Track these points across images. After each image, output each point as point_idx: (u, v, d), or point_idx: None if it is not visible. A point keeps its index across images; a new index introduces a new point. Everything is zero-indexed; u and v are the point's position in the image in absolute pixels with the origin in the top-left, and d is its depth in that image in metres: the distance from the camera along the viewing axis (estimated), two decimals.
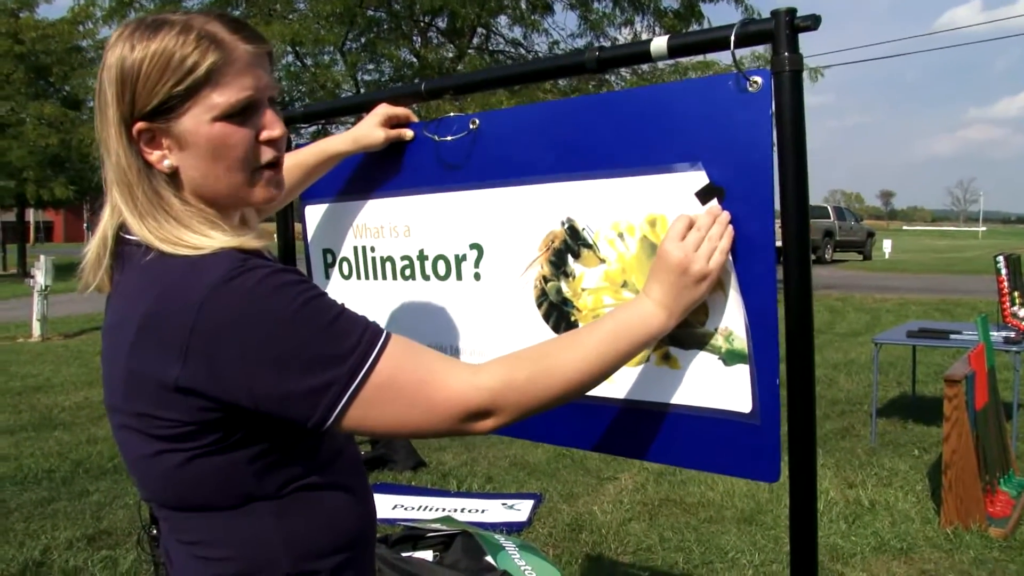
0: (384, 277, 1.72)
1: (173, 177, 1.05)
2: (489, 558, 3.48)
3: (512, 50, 15.89)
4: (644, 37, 14.91)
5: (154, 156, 1.03)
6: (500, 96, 10.76)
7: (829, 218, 27.54)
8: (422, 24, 14.21)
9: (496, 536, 3.68)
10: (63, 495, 4.68)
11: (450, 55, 14.32)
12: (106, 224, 1.06)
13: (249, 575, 1.05)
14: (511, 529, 4.06)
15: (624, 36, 14.95)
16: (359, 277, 1.77)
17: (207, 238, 1.00)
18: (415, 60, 13.99)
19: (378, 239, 1.70)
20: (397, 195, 1.64)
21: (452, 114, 1.51)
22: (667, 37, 1.17)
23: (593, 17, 14.53)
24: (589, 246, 1.38)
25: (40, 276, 11.19)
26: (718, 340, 1.25)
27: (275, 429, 1.01)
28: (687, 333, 1.28)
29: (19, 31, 22.63)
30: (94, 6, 16.54)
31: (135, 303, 1.00)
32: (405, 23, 14.02)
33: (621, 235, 1.33)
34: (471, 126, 1.50)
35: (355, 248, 1.76)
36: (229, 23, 1.05)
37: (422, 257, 1.63)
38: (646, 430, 1.37)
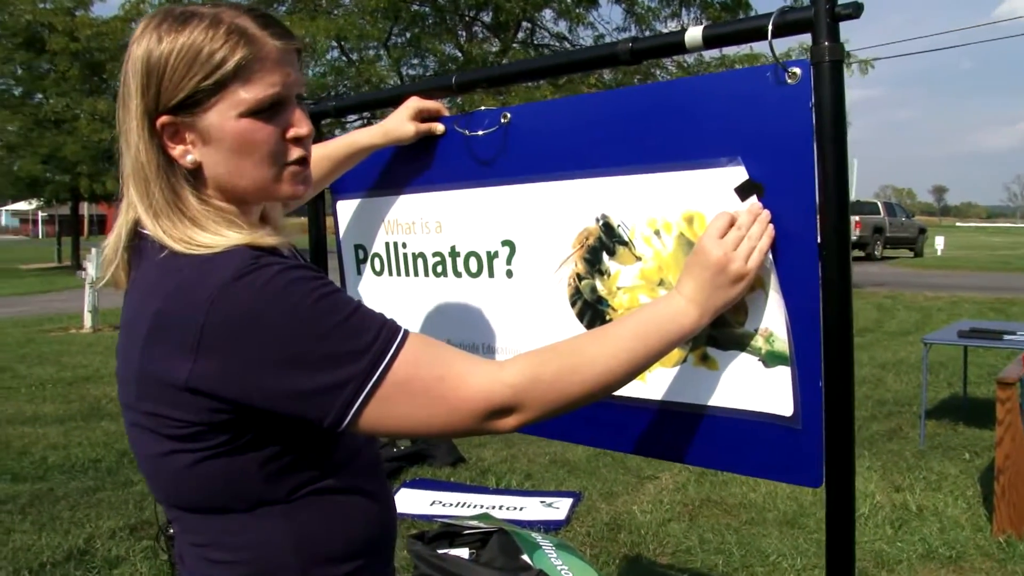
0: (416, 274, 1.69)
1: (194, 173, 1.03)
2: (525, 557, 3.45)
3: (557, 44, 15.83)
4: None
5: (177, 151, 1.01)
6: (544, 90, 10.71)
7: (879, 214, 27.02)
8: (467, 19, 14.21)
9: (533, 534, 3.65)
10: (108, 484, 4.77)
11: (495, 49, 14.30)
12: (122, 220, 1.04)
13: None
14: (549, 527, 4.03)
15: (670, 30, 14.80)
16: (391, 274, 1.75)
17: (220, 237, 0.98)
18: (459, 55, 13.99)
19: (410, 235, 1.68)
20: (428, 190, 1.62)
21: (483, 108, 1.47)
22: (703, 27, 1.13)
23: (639, 11, 14.40)
24: (625, 243, 1.34)
25: (92, 268, 11.41)
26: (758, 341, 1.20)
27: (287, 431, 0.99)
28: (726, 333, 1.23)
29: (75, 29, 23.12)
30: (145, 3, 16.82)
31: (148, 300, 0.98)
32: (450, 18, 14.03)
33: (657, 232, 1.29)
34: (502, 120, 1.47)
35: (387, 244, 1.73)
36: (259, 18, 1.02)
37: (454, 254, 1.61)
38: (683, 432, 1.32)
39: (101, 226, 60.08)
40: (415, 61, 14.88)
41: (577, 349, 1.05)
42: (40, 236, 58.55)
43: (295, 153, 1.06)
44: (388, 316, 1.00)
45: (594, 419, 1.38)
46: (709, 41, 1.13)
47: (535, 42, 15.81)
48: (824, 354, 1.12)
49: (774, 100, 1.12)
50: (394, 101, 1.60)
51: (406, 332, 0.98)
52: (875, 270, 21.90)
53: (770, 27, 1.07)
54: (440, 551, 3.61)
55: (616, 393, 1.31)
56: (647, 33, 14.86)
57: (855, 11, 1.02)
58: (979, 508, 4.19)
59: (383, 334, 0.96)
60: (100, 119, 22.57)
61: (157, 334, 0.96)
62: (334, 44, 12.77)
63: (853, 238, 19.91)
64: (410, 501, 4.55)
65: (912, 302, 13.93)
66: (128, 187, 1.03)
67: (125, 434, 3.93)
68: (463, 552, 3.60)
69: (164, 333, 0.95)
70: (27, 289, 18.97)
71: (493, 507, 4.40)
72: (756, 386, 1.22)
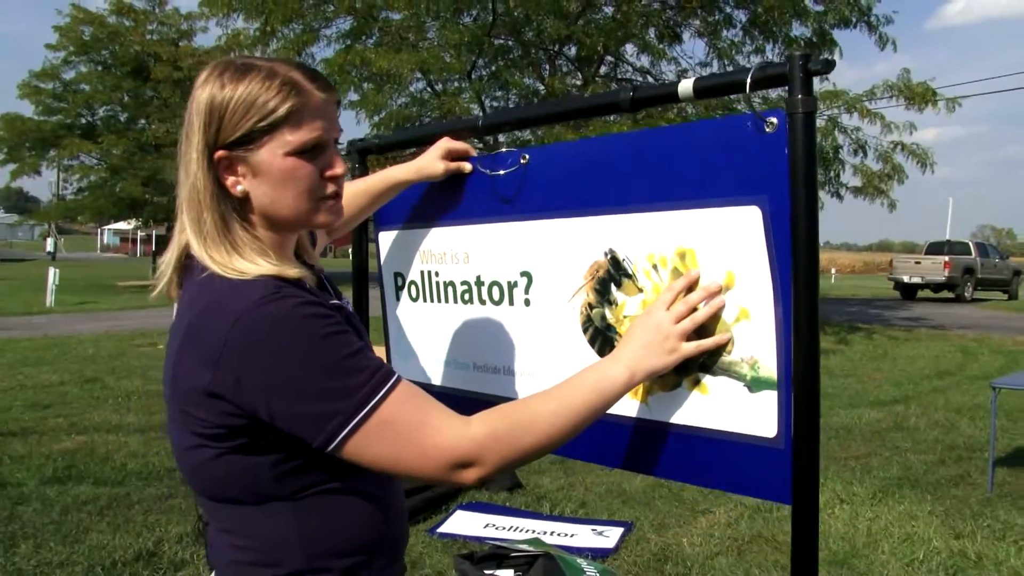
0: (447, 300, 1.82)
1: (242, 202, 1.18)
2: None
3: (639, 78, 15.92)
4: None
5: (229, 181, 1.17)
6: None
7: (970, 255, 26.16)
8: (551, 52, 14.44)
9: (579, 560, 3.72)
10: (180, 493, 5.00)
11: (578, 83, 14.47)
12: (175, 243, 1.21)
13: (266, 565, 1.16)
14: (597, 555, 4.08)
15: (753, 64, 14.74)
16: (425, 300, 1.88)
17: (253, 265, 1.14)
18: (541, 87, 14.21)
19: (442, 264, 1.81)
20: (458, 224, 1.75)
21: (504, 149, 1.60)
22: (693, 79, 1.23)
23: (721, 45, 14.39)
24: (629, 276, 1.44)
25: None
26: (743, 368, 1.29)
27: (298, 439, 1.12)
28: (715, 361, 1.32)
29: (178, 58, 24.35)
30: (241, 35, 17.62)
31: (187, 313, 1.14)
32: (534, 51, 14.28)
33: (655, 266, 1.40)
34: (522, 161, 1.59)
35: (421, 272, 1.87)
36: (307, 72, 1.19)
37: (479, 283, 1.73)
38: (676, 451, 1.41)
39: None
40: (498, 93, 15.18)
41: (528, 406, 1.18)
42: (138, 254, 61.08)
43: (330, 189, 1.21)
44: (387, 365, 1.13)
45: (597, 437, 1.48)
46: (699, 92, 1.23)
47: (617, 75, 15.95)
48: (794, 381, 1.20)
49: (754, 146, 1.21)
50: (429, 140, 1.74)
51: (398, 379, 1.12)
52: (964, 312, 21.16)
53: (748, 81, 1.17)
54: (487, 572, 3.71)
55: (616, 413, 1.42)
56: (729, 68, 14.84)
57: (826, 68, 1.11)
58: None
59: (377, 377, 1.09)
60: None
61: (188, 343, 1.11)
62: (419, 75, 13.13)
63: (940, 279, 19.37)
64: (465, 523, 4.65)
65: (1000, 346, 13.43)
66: (182, 213, 1.20)
67: None
68: (508, 573, 3.69)
69: (194, 343, 1.10)
70: (122, 305, 19.85)
71: (545, 532, 4.47)
72: (742, 409, 1.31)
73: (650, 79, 15.70)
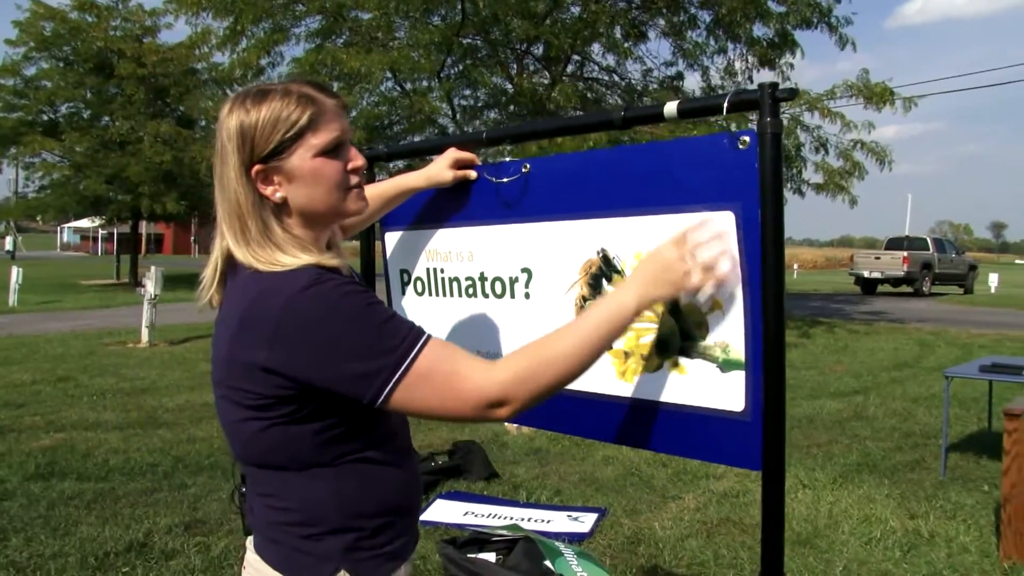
0: (451, 295, 2.01)
1: (280, 207, 1.35)
2: (548, 563, 3.70)
3: (606, 77, 16.14)
4: (737, 65, 15.06)
5: (268, 190, 1.34)
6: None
7: (928, 250, 26.83)
8: (519, 52, 14.59)
9: (557, 543, 3.90)
10: (164, 486, 5.12)
11: (545, 82, 14.64)
12: (216, 255, 1.38)
13: (305, 524, 1.34)
14: (573, 539, 4.28)
15: (717, 65, 15.02)
16: (430, 294, 2.06)
17: (295, 258, 1.31)
18: (509, 87, 14.36)
19: (447, 262, 2.00)
20: (463, 225, 1.94)
21: (508, 159, 1.78)
22: (677, 102, 1.43)
23: (686, 46, 14.65)
24: (618, 271, 1.63)
25: (150, 286, 11.95)
26: (716, 351, 1.49)
27: (337, 409, 1.29)
28: (692, 346, 1.52)
29: (142, 55, 24.13)
30: (209, 33, 17.57)
31: (239, 303, 1.31)
32: (502, 51, 14.42)
33: None
34: (523, 170, 1.78)
35: (427, 269, 2.06)
36: (315, 85, 1.38)
37: (482, 279, 1.92)
38: (659, 425, 1.61)
39: (158, 245, 61.61)
40: (467, 92, 15.30)
41: (546, 344, 1.34)
42: (100, 253, 60.23)
43: (355, 179, 1.41)
44: (418, 324, 1.30)
45: (585, 414, 1.67)
46: (682, 113, 1.42)
47: (584, 75, 16.14)
48: (764, 363, 1.39)
49: (730, 160, 1.41)
50: (436, 150, 1.92)
51: (429, 336, 1.29)
52: (922, 306, 21.73)
53: (725, 105, 1.36)
54: (469, 555, 3.88)
55: (604, 392, 1.60)
56: (695, 68, 15.13)
57: (790, 95, 1.31)
58: (990, 537, 4.34)
59: (411, 336, 1.27)
60: (162, 141, 23.45)
61: (244, 327, 1.28)
62: (388, 75, 13.21)
63: (900, 274, 19.82)
64: (445, 511, 4.82)
65: (955, 339, 13.88)
66: (222, 226, 1.36)
67: (180, 441, 4.42)
68: (490, 556, 3.86)
69: (249, 327, 1.27)
70: (87, 304, 19.72)
71: (522, 519, 4.65)
72: (715, 387, 1.50)
73: (616, 78, 15.94)
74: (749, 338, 1.44)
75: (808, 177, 14.09)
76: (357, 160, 1.40)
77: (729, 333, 1.47)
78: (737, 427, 1.49)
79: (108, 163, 23.65)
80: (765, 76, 15.70)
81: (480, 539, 4.02)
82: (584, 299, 1.71)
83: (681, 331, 1.54)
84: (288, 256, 1.31)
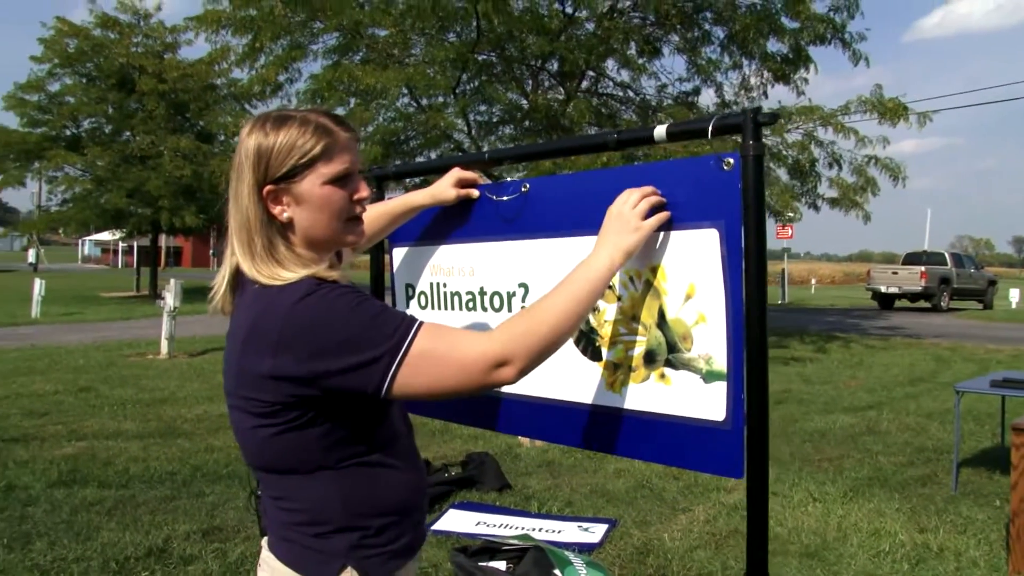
0: (453, 308, 2.09)
1: (286, 226, 1.45)
2: (557, 571, 3.77)
3: (620, 93, 16.23)
4: (752, 81, 15.12)
5: (276, 210, 1.43)
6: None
7: (946, 264, 26.68)
8: (534, 68, 14.70)
9: (566, 553, 3.97)
10: (183, 494, 5.22)
11: (560, 98, 14.74)
12: (226, 266, 1.47)
13: (314, 523, 1.42)
14: (582, 549, 4.33)
15: (731, 81, 15.08)
16: (433, 308, 2.15)
17: (295, 273, 1.40)
18: (524, 103, 14.47)
19: (449, 277, 2.08)
20: (465, 242, 2.02)
21: (508, 179, 1.87)
22: (666, 126, 1.52)
23: (700, 62, 14.72)
24: (609, 287, 1.71)
25: (170, 298, 12.11)
26: (699, 363, 1.56)
27: (340, 413, 1.38)
28: (678, 358, 1.59)
29: (163, 71, 24.50)
30: (229, 50, 17.83)
31: (245, 318, 1.40)
32: (517, 67, 14.54)
33: (632, 279, 1.66)
34: (523, 189, 1.87)
35: (431, 284, 2.14)
36: (333, 118, 1.48)
37: (482, 293, 2.00)
38: (646, 435, 1.68)
39: (177, 258, 62.12)
40: (482, 108, 15.43)
41: (537, 306, 1.44)
42: (120, 266, 60.85)
43: (357, 210, 1.49)
44: (409, 313, 1.39)
45: (574, 424, 1.75)
46: (671, 136, 1.51)
47: (599, 91, 16.25)
48: (747, 375, 1.46)
49: (715, 180, 1.49)
50: (441, 169, 2.01)
51: (422, 321, 1.38)
52: (940, 321, 21.61)
53: (710, 129, 1.44)
54: (480, 563, 3.95)
55: (595, 402, 1.68)
56: (709, 83, 15.19)
57: (771, 119, 1.39)
58: (1000, 551, 4.36)
59: (405, 322, 1.36)
60: (182, 156, 23.75)
61: (250, 339, 1.37)
62: (404, 91, 13.36)
63: (917, 289, 19.73)
64: (457, 521, 4.89)
65: (972, 354, 13.82)
66: (232, 240, 1.45)
67: (199, 451, 4.55)
68: (501, 565, 3.93)
69: (255, 338, 1.36)
70: (107, 316, 19.96)
71: (533, 529, 4.72)
72: (697, 398, 1.57)
73: (631, 93, 16.04)
74: (731, 350, 1.52)
75: (823, 192, 14.12)
76: (363, 191, 1.49)
77: (712, 345, 1.54)
78: (719, 436, 1.55)
79: (129, 177, 23.98)
80: (780, 91, 15.76)
81: (491, 548, 4.09)
82: None
83: (668, 343, 1.61)
84: (289, 272, 1.40)
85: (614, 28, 12.77)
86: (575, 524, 4.83)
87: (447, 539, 4.52)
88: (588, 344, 1.77)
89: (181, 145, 23.94)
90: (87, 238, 66.08)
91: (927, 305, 26.11)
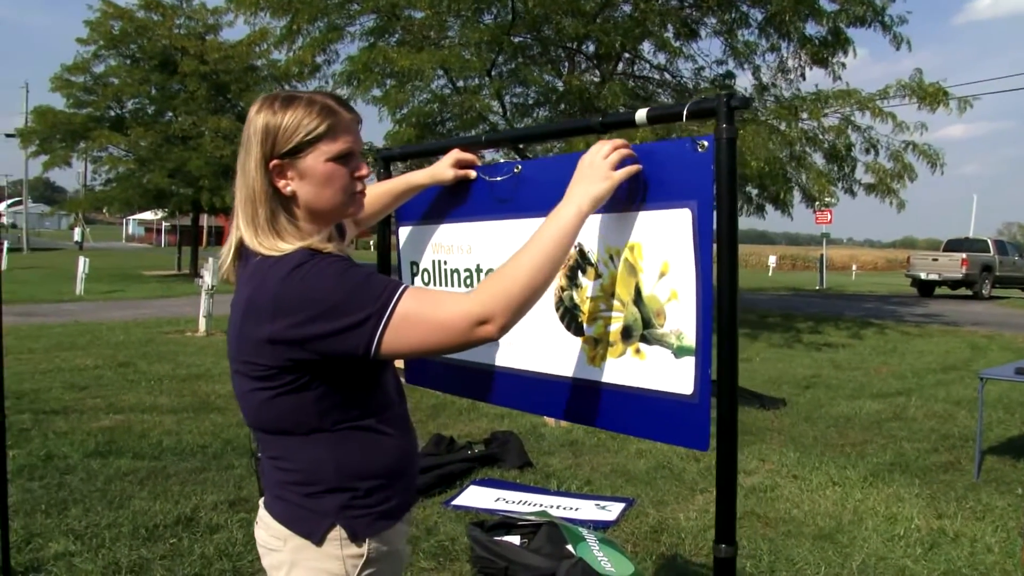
0: (453, 284, 2.17)
1: (289, 199, 1.53)
2: (570, 547, 3.85)
3: (657, 75, 16.15)
4: (790, 64, 14.95)
5: (281, 183, 1.53)
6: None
7: (988, 252, 26.19)
8: (570, 50, 14.68)
9: (580, 529, 4.05)
10: (213, 467, 5.39)
11: (596, 80, 14.70)
12: (232, 238, 1.57)
13: (307, 483, 1.52)
14: (598, 526, 4.41)
15: (768, 63, 14.93)
16: (435, 285, 2.23)
17: (291, 245, 1.48)
18: (560, 84, 14.46)
19: (449, 255, 2.16)
20: (464, 221, 2.10)
21: (502, 160, 1.94)
22: (647, 110, 1.57)
23: (737, 45, 14.59)
24: (592, 264, 1.78)
25: (208, 277, 12.36)
26: (671, 338, 1.62)
27: (335, 377, 1.46)
28: (652, 333, 1.65)
29: (204, 52, 24.85)
30: (267, 32, 18.04)
31: (246, 288, 1.50)
32: (553, 49, 14.53)
33: (612, 257, 1.73)
34: (515, 170, 1.93)
35: (433, 261, 2.23)
36: (337, 99, 1.56)
37: (479, 270, 2.08)
38: (622, 407, 1.75)
39: (218, 237, 62.85)
40: (517, 90, 15.46)
41: (512, 262, 1.49)
42: (163, 245, 61.92)
43: (358, 186, 1.59)
44: (394, 278, 1.48)
45: (558, 396, 1.83)
46: (651, 120, 1.57)
47: (635, 72, 16.17)
48: (717, 352, 1.52)
49: (690, 162, 1.54)
50: (443, 150, 2.08)
51: (407, 285, 1.46)
52: (980, 309, 21.26)
53: (685, 113, 1.49)
54: (496, 538, 4.04)
55: (577, 376, 1.75)
56: (746, 66, 15.06)
57: (744, 103, 1.44)
58: (1017, 538, 4.34)
59: (390, 287, 1.43)
60: (223, 136, 24.10)
61: (250, 307, 1.47)
62: (440, 73, 13.43)
63: (958, 276, 19.36)
64: (477, 496, 4.99)
65: (1010, 343, 13.60)
66: (238, 212, 1.55)
67: (231, 425, 4.70)
68: (515, 539, 4.03)
69: (254, 306, 1.46)
70: (148, 293, 20.41)
71: (551, 506, 4.80)
72: (668, 372, 1.63)
73: (667, 76, 15.94)
74: (700, 326, 1.57)
75: (860, 177, 13.95)
76: (363, 170, 1.58)
77: (683, 321, 1.60)
78: (687, 409, 1.61)
79: (171, 157, 24.41)
80: (817, 75, 15.58)
81: (507, 523, 4.19)
82: (562, 288, 1.86)
83: (643, 319, 1.67)
84: (286, 244, 1.49)
85: (650, 10, 12.68)
86: (592, 502, 4.90)
87: (466, 514, 4.62)
88: (571, 320, 1.84)
89: (222, 126, 24.30)
90: (131, 217, 67.22)
91: (968, 293, 25.67)
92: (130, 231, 75.12)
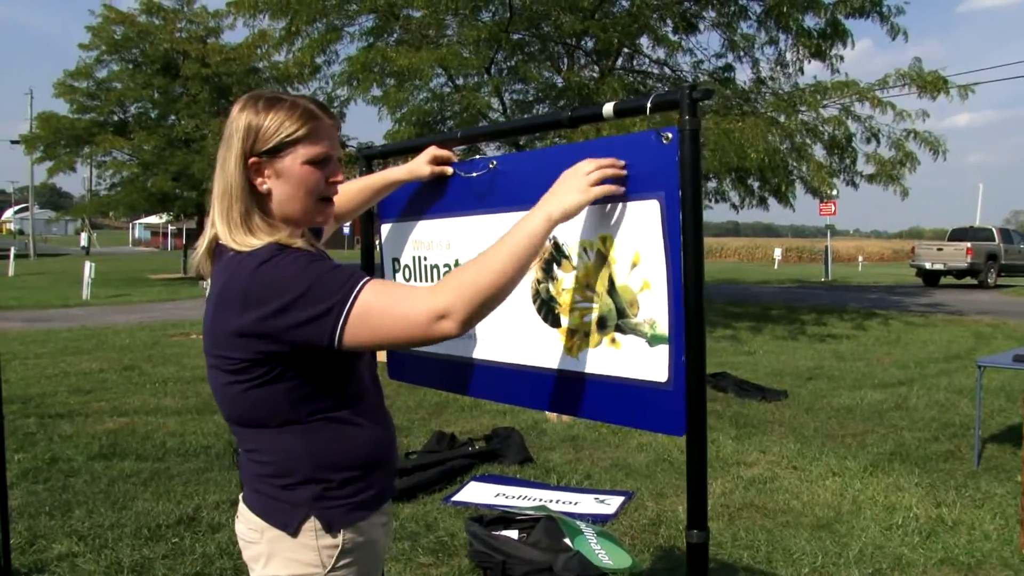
0: (433, 280, 2.19)
1: (264, 197, 1.57)
2: (567, 540, 3.88)
3: (656, 70, 16.13)
4: (788, 56, 14.92)
5: (258, 180, 1.56)
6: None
7: (994, 240, 26.09)
8: (569, 46, 14.67)
9: (578, 523, 4.07)
10: (216, 467, 5.43)
11: (595, 75, 14.69)
12: (206, 233, 1.60)
13: (281, 475, 1.55)
14: (597, 520, 4.43)
15: (767, 56, 14.90)
16: (416, 280, 2.26)
17: (261, 240, 1.51)
18: (559, 80, 14.46)
19: (429, 251, 2.19)
20: (442, 217, 2.13)
21: (478, 156, 1.97)
22: (613, 103, 1.59)
23: (735, 38, 14.56)
24: (566, 257, 1.80)
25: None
26: (645, 327, 1.65)
27: (305, 368, 1.49)
28: (626, 323, 1.68)
29: (206, 56, 24.93)
30: (267, 34, 18.09)
31: (218, 283, 1.53)
32: (552, 45, 14.52)
33: (585, 249, 1.75)
34: (491, 166, 1.96)
35: (413, 257, 2.25)
36: (318, 105, 1.60)
37: (458, 265, 2.10)
38: (599, 396, 1.77)
39: None
40: (517, 87, 15.46)
41: (478, 261, 1.50)
42: (169, 248, 62.10)
43: (331, 191, 1.62)
44: (359, 269, 1.50)
45: (537, 388, 1.86)
46: (617, 113, 1.59)
47: (634, 67, 16.15)
48: (686, 339, 1.54)
49: (656, 154, 1.56)
50: (422, 148, 2.11)
51: (370, 276, 1.47)
52: (985, 298, 21.18)
53: (648, 106, 1.52)
54: (494, 532, 4.07)
55: (554, 367, 1.77)
56: (745, 59, 15.03)
57: (706, 95, 1.46)
58: (1016, 526, 4.35)
59: (353, 278, 1.46)
60: None
61: (221, 303, 1.50)
62: (439, 71, 13.44)
63: (963, 265, 19.25)
64: (477, 492, 5.02)
65: (1014, 331, 13.55)
66: (214, 208, 1.57)
67: None
68: (513, 533, 4.05)
69: (224, 301, 1.49)
70: (154, 297, 20.49)
71: (551, 501, 4.82)
72: (643, 360, 1.66)
73: (667, 71, 15.92)
74: (672, 315, 1.59)
75: (861, 168, 13.92)
76: (338, 175, 1.62)
77: (656, 310, 1.62)
78: (661, 396, 1.64)
79: (174, 161, 24.49)
80: (816, 67, 15.53)
81: (505, 518, 4.21)
82: (539, 281, 1.89)
83: (617, 309, 1.69)
84: (257, 240, 1.52)
85: (646, 5, 12.67)
86: (592, 496, 4.92)
87: (465, 509, 4.65)
88: (548, 312, 1.87)
89: None
90: (137, 221, 67.54)
91: (973, 282, 25.58)
92: (136, 235, 75.42)
